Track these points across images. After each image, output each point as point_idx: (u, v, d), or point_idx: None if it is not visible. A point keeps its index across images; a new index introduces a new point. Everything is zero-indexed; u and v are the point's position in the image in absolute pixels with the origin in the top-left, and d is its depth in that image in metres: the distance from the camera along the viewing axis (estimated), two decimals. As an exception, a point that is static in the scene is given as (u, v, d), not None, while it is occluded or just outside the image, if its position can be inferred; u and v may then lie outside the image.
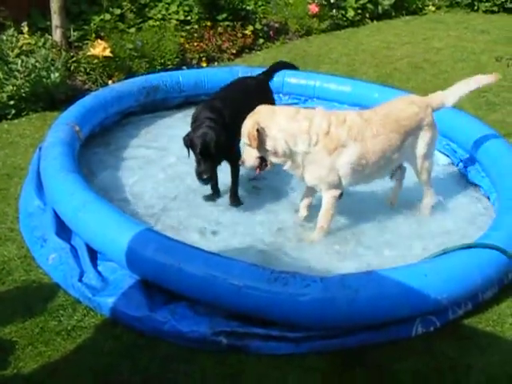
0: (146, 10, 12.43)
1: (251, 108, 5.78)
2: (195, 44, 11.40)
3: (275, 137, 5.56)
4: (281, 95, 9.15)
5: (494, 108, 9.44)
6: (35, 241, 5.67)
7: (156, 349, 4.56)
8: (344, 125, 5.68)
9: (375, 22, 15.13)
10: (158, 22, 11.99)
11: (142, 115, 8.74)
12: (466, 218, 6.46)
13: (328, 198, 5.83)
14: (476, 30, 14.48)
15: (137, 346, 4.58)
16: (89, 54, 9.70)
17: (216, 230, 6.13)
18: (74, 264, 5.25)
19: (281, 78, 9.12)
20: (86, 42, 10.43)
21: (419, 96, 6.47)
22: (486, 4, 16.23)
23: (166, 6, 12.61)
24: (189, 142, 6.04)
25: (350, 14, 14.53)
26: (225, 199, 6.63)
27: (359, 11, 14.81)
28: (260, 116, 5.62)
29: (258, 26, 12.73)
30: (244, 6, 12.74)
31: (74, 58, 9.82)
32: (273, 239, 5.99)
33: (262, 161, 5.76)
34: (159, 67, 10.41)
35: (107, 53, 9.64)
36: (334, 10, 14.20)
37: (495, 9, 16.15)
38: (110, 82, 9.63)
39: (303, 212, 6.24)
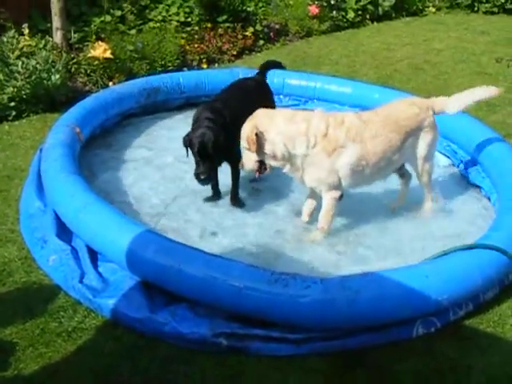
0: (147, 11, 12.45)
1: (252, 109, 5.80)
2: (196, 45, 11.41)
3: (274, 140, 5.57)
4: (281, 96, 9.15)
5: (494, 109, 9.43)
6: (36, 242, 5.66)
7: (156, 350, 4.56)
8: (342, 126, 5.69)
9: (375, 23, 15.12)
10: (158, 24, 12.01)
11: (143, 117, 8.75)
12: (466, 218, 6.46)
13: (328, 199, 5.83)
14: (476, 31, 14.48)
15: (137, 347, 4.58)
16: (89, 55, 9.70)
17: (216, 231, 6.13)
18: (74, 265, 5.26)
19: (281, 80, 9.14)
20: (86, 43, 10.43)
21: (420, 98, 6.48)
22: (486, 5, 16.23)
23: (167, 7, 12.63)
24: (187, 142, 6.06)
25: (351, 15, 14.53)
26: (225, 200, 6.63)
27: (359, 12, 14.81)
28: (258, 120, 5.63)
29: (258, 27, 12.74)
30: (244, 8, 12.75)
31: (75, 60, 9.83)
32: (273, 240, 5.99)
33: (262, 164, 5.77)
34: (160, 69, 10.40)
35: (108, 54, 9.65)
36: (335, 12, 14.20)
37: (495, 10, 16.14)
38: (110, 83, 9.63)
39: (305, 217, 6.24)
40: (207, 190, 6.59)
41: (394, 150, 5.89)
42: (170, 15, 12.46)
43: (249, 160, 5.74)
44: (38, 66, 8.67)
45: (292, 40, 13.34)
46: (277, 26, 13.19)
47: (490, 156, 6.82)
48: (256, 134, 5.52)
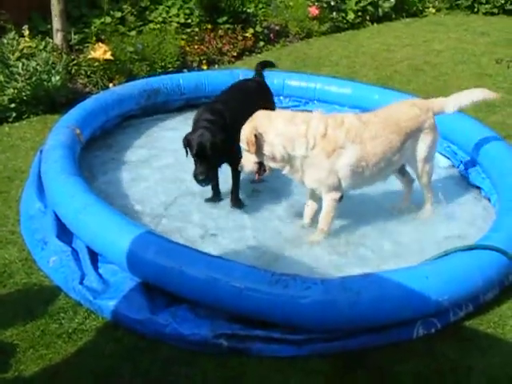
0: (147, 13, 12.47)
1: (252, 110, 5.80)
2: (196, 47, 11.42)
3: (273, 142, 5.58)
4: (281, 98, 9.16)
5: (493, 110, 9.44)
6: (36, 243, 5.67)
7: (157, 351, 4.56)
8: (342, 127, 5.69)
9: (375, 24, 15.14)
10: (158, 25, 12.02)
11: (143, 118, 8.76)
12: (466, 219, 6.46)
13: (328, 200, 5.84)
14: (476, 32, 14.49)
15: (138, 349, 4.57)
16: (89, 57, 9.71)
17: (217, 232, 6.13)
18: (74, 267, 5.26)
19: (281, 81, 9.14)
20: (86, 45, 10.44)
21: (420, 99, 6.49)
22: (486, 6, 16.24)
23: (167, 9, 12.66)
24: (186, 142, 6.07)
25: (351, 16, 14.56)
26: (226, 201, 6.63)
27: (359, 14, 14.84)
28: (258, 121, 5.63)
29: (258, 28, 12.76)
30: (244, 9, 12.77)
31: (75, 61, 9.84)
32: (273, 241, 5.99)
33: (261, 166, 5.77)
34: (160, 70, 10.42)
35: (108, 56, 9.65)
36: (335, 13, 14.22)
37: (495, 11, 16.16)
38: (110, 84, 9.65)
39: (307, 220, 6.24)
40: (207, 191, 6.60)
41: (394, 150, 5.89)
42: (170, 16, 12.48)
43: (248, 161, 5.75)
44: (38, 67, 8.68)
45: (292, 41, 13.36)
46: (277, 28, 13.21)
47: (489, 157, 6.82)
48: (255, 136, 5.53)
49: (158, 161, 7.54)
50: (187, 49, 11.28)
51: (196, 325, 4.66)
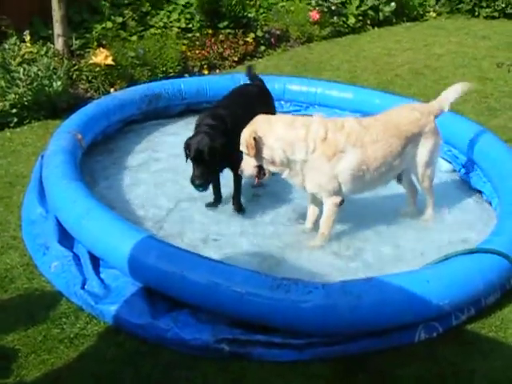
0: (148, 18, 12.48)
1: (253, 115, 5.82)
2: (197, 52, 11.43)
3: (272, 146, 5.58)
4: (282, 102, 9.15)
5: (495, 113, 9.45)
6: (38, 248, 5.67)
7: (159, 356, 4.56)
8: (342, 131, 5.69)
9: (376, 28, 15.14)
10: (159, 30, 12.03)
11: (144, 123, 8.77)
12: (467, 223, 6.46)
13: (329, 204, 5.84)
14: (477, 35, 14.48)
15: (139, 354, 4.58)
16: (91, 62, 9.72)
17: (218, 237, 6.13)
18: (76, 272, 5.26)
19: (282, 85, 9.15)
20: (87, 50, 10.45)
21: (421, 103, 6.50)
22: (487, 10, 16.23)
23: (168, 13, 12.67)
24: (186, 146, 6.08)
25: (351, 20, 14.56)
26: (227, 206, 6.63)
27: (360, 18, 14.84)
28: (258, 125, 5.65)
29: (259, 33, 12.77)
30: (245, 14, 12.77)
31: (76, 67, 9.85)
32: (274, 246, 5.99)
33: (260, 170, 5.78)
34: (161, 75, 10.43)
35: (109, 61, 9.67)
36: (335, 17, 14.22)
37: (496, 14, 16.15)
38: (112, 90, 9.66)
39: (309, 225, 6.24)
40: (209, 195, 6.60)
41: (395, 155, 5.89)
42: (171, 21, 12.50)
43: (248, 165, 5.75)
44: (39, 72, 8.70)
45: (293, 46, 13.36)
46: (278, 32, 13.21)
47: (491, 161, 6.81)
48: (254, 139, 5.53)
49: (160, 166, 7.54)
50: (188, 54, 11.28)
51: (197, 329, 4.66)
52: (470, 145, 7.19)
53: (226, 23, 12.39)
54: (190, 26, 12.49)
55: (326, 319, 4.54)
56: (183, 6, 12.91)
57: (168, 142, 8.14)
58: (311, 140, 5.60)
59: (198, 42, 11.74)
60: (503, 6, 16.00)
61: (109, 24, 11.63)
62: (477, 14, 16.40)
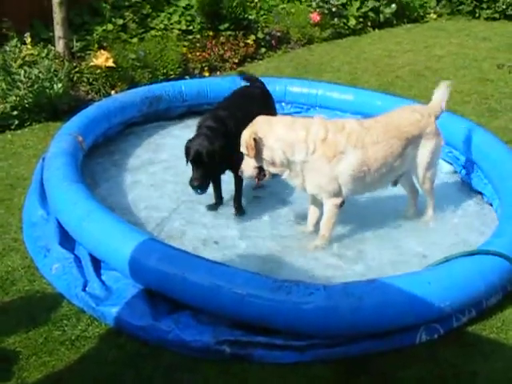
0: (149, 20, 12.47)
1: (255, 117, 5.82)
2: (197, 54, 11.43)
3: (272, 147, 5.59)
4: (283, 104, 9.16)
5: (496, 115, 9.45)
6: (39, 251, 5.67)
7: (160, 358, 4.56)
8: (343, 131, 5.70)
9: (377, 30, 15.13)
10: (160, 32, 12.03)
11: (145, 125, 8.77)
12: (468, 224, 6.47)
13: (329, 206, 5.84)
14: (477, 37, 14.47)
15: (140, 356, 4.58)
16: (91, 64, 9.73)
17: (219, 239, 6.14)
18: (77, 274, 5.27)
19: (283, 87, 9.15)
20: (88, 52, 10.45)
21: (422, 105, 6.51)
22: (488, 11, 16.22)
23: (168, 16, 12.67)
24: (184, 149, 6.09)
25: (352, 22, 14.55)
26: (228, 208, 6.63)
27: (361, 20, 14.82)
28: (258, 126, 5.65)
29: (259, 35, 12.76)
30: (246, 16, 12.77)
31: (77, 69, 9.85)
32: (275, 248, 6.00)
33: (261, 171, 5.78)
34: (162, 77, 10.44)
35: (110, 63, 9.68)
36: (336, 19, 14.21)
37: (496, 16, 16.13)
38: (112, 92, 9.67)
39: (310, 227, 6.24)
40: (210, 198, 6.60)
41: (395, 156, 5.89)
42: (171, 23, 12.49)
43: (248, 166, 5.76)
44: (40, 74, 8.70)
45: (294, 47, 13.36)
46: (278, 34, 13.20)
47: (491, 162, 6.81)
48: (254, 140, 5.54)
49: (160, 168, 7.55)
50: (189, 56, 11.29)
51: (198, 331, 4.66)
52: (470, 146, 7.18)
53: (226, 25, 12.39)
54: (191, 28, 12.49)
55: (328, 321, 4.54)
56: (184, 8, 12.92)
57: (169, 144, 8.15)
58: (311, 141, 5.61)
59: (198, 44, 11.73)
60: (504, 7, 15.99)
61: (109, 26, 11.63)
62: (477, 15, 16.39)
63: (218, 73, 11.48)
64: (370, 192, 6.17)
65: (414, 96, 9.82)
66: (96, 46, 10.48)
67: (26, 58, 9.05)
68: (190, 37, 12.13)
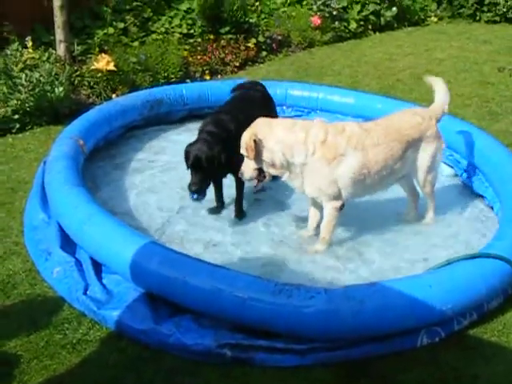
0: (150, 23, 12.48)
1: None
2: (198, 57, 11.43)
3: (272, 149, 5.60)
4: (284, 107, 9.15)
5: (497, 118, 9.45)
6: (40, 254, 5.68)
7: (161, 361, 4.56)
8: (343, 134, 5.70)
9: (378, 33, 15.13)
10: (161, 36, 12.03)
11: (146, 129, 8.77)
12: (469, 228, 6.47)
13: (329, 209, 5.84)
14: (478, 40, 14.48)
15: (142, 359, 4.58)
16: (92, 67, 9.74)
17: (220, 242, 6.14)
18: (78, 277, 5.27)
19: (284, 91, 9.15)
20: (89, 56, 10.46)
21: (423, 108, 6.52)
22: (488, 14, 16.22)
23: (169, 19, 12.67)
24: (184, 154, 6.09)
25: (353, 25, 14.55)
26: (229, 212, 6.64)
27: (361, 23, 14.83)
28: (258, 128, 5.66)
29: (260, 38, 12.76)
30: (247, 19, 12.76)
31: (78, 72, 9.86)
32: (276, 251, 6.00)
33: (260, 172, 5.79)
34: (163, 80, 10.45)
35: (111, 66, 9.68)
36: (337, 22, 14.21)
37: (497, 19, 16.13)
38: (113, 95, 9.67)
39: (311, 231, 6.24)
40: (211, 201, 6.60)
41: (396, 159, 5.90)
42: (172, 27, 12.50)
43: (248, 168, 5.76)
44: (41, 78, 8.71)
45: (294, 51, 13.36)
46: (279, 37, 13.21)
47: (492, 165, 6.81)
48: (254, 141, 5.55)
49: (162, 171, 7.54)
50: (190, 59, 11.29)
51: (199, 335, 4.66)
52: (471, 149, 7.19)
53: (227, 29, 12.39)
54: (192, 31, 12.49)
55: (329, 324, 4.54)
56: (185, 11, 12.91)
57: (170, 148, 8.15)
58: (311, 143, 5.61)
59: (199, 48, 11.74)
60: (504, 10, 15.99)
61: (110, 30, 11.63)
62: (478, 18, 16.39)
63: (219, 76, 11.49)
64: (369, 195, 6.17)
65: (414, 99, 9.82)
66: (97, 49, 10.50)
67: (27, 62, 9.05)
68: (191, 40, 12.13)
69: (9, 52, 9.10)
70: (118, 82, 9.85)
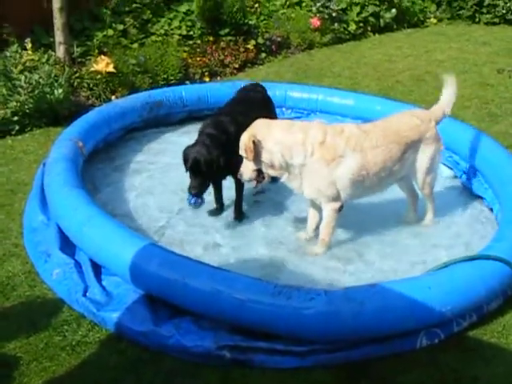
0: (149, 25, 12.48)
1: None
2: (198, 59, 11.44)
3: (271, 150, 5.60)
4: (283, 109, 9.15)
5: (496, 119, 9.45)
6: (39, 256, 5.68)
7: (160, 363, 4.56)
8: (342, 135, 5.71)
9: (377, 35, 15.13)
10: (160, 38, 12.03)
11: (146, 130, 8.77)
12: (469, 229, 6.47)
13: (328, 210, 5.84)
14: (477, 41, 14.48)
15: (141, 361, 4.58)
16: (92, 69, 9.74)
17: (219, 244, 6.14)
18: (78, 279, 5.27)
19: (283, 92, 9.15)
20: (89, 57, 10.46)
21: (422, 109, 6.51)
22: (487, 16, 16.23)
23: (169, 21, 12.67)
24: (184, 156, 6.09)
25: (352, 27, 14.56)
26: (228, 213, 6.64)
27: (361, 24, 14.84)
28: (256, 129, 5.67)
29: (260, 40, 12.77)
30: (246, 21, 12.77)
31: (78, 74, 9.87)
32: (276, 253, 6.00)
33: (259, 173, 5.79)
34: (162, 82, 10.46)
35: (110, 68, 9.69)
36: (336, 24, 14.22)
37: (496, 20, 16.14)
38: (113, 97, 9.68)
39: (310, 233, 6.23)
40: (211, 203, 6.60)
41: (394, 160, 5.89)
42: (172, 29, 12.49)
43: (247, 169, 5.77)
44: (40, 80, 8.71)
45: (294, 52, 13.36)
46: (279, 39, 13.20)
47: (492, 167, 6.81)
48: (253, 142, 5.55)
49: (161, 173, 7.54)
50: (189, 61, 11.29)
51: (199, 336, 4.66)
52: (471, 151, 7.19)
53: (226, 30, 12.40)
54: (191, 33, 12.49)
55: (329, 326, 4.54)
56: (184, 13, 12.91)
57: (169, 150, 8.14)
58: (309, 144, 5.61)
59: (198, 50, 11.74)
60: (504, 12, 16.00)
61: (110, 31, 11.63)
62: (477, 20, 16.40)
63: (219, 78, 11.49)
64: (367, 196, 6.17)
65: (414, 101, 9.83)
66: (96, 51, 10.50)
67: (27, 64, 9.06)
68: (191, 42, 12.13)
69: (8, 54, 9.09)
70: (117, 83, 9.86)
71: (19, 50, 9.19)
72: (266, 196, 7.00)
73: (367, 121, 6.55)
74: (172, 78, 10.66)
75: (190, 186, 6.04)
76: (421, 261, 5.84)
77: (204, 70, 11.34)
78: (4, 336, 4.77)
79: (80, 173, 6.59)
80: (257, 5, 14.18)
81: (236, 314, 4.61)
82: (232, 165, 6.04)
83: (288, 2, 14.73)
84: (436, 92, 9.88)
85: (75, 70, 9.96)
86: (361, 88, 10.89)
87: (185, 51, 11.47)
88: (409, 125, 6.03)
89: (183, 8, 12.99)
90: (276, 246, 6.12)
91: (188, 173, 6.07)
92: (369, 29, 15.09)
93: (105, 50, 10.80)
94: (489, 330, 4.99)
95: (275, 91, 8.76)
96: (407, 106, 7.92)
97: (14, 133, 8.50)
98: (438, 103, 6.39)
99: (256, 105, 6.96)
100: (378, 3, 15.12)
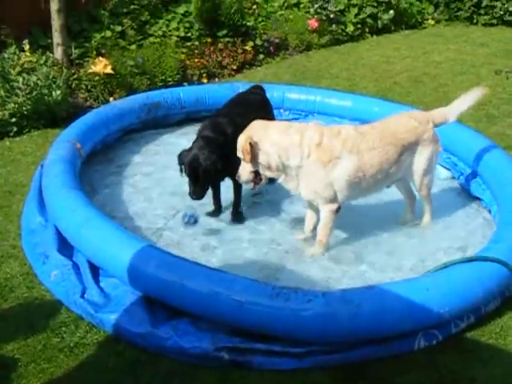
0: (147, 26, 12.46)
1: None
2: (196, 60, 11.44)
3: (268, 151, 5.61)
4: (281, 111, 9.15)
5: (493, 121, 9.46)
6: (37, 257, 5.67)
7: (158, 365, 4.56)
8: (338, 137, 5.71)
9: (375, 36, 15.13)
10: (158, 39, 12.02)
11: (144, 132, 8.77)
12: (466, 231, 6.47)
13: (325, 211, 5.84)
14: (475, 43, 14.49)
15: (139, 362, 4.58)
16: (90, 71, 9.74)
17: (217, 245, 6.14)
18: (76, 280, 5.26)
19: (281, 94, 9.16)
20: (87, 59, 10.44)
21: (420, 111, 6.51)
22: (485, 17, 16.24)
23: (167, 22, 12.67)
24: (180, 160, 6.08)
25: (350, 28, 14.56)
26: (226, 215, 6.64)
27: (359, 26, 14.83)
28: (253, 131, 5.68)
29: (258, 41, 12.77)
30: (244, 22, 12.77)
31: (76, 76, 9.85)
32: (273, 254, 6.00)
33: (257, 175, 5.80)
34: (160, 84, 10.46)
35: (108, 70, 9.68)
36: (334, 25, 14.22)
37: (494, 22, 16.14)
38: (111, 98, 9.67)
39: (308, 234, 6.24)
40: (209, 204, 6.60)
41: (391, 162, 5.90)
42: (170, 30, 12.49)
43: (244, 171, 5.78)
44: (38, 81, 8.71)
45: (292, 54, 13.36)
46: (276, 40, 13.20)
47: (490, 168, 6.82)
48: (250, 144, 5.56)
49: (159, 174, 7.54)
50: (187, 62, 11.29)
51: (197, 338, 4.66)
52: (468, 152, 7.19)
53: (224, 32, 12.40)
54: (189, 34, 12.48)
55: (326, 327, 4.54)
56: (182, 14, 12.91)
57: (167, 151, 8.12)
58: (306, 146, 5.62)
59: (196, 51, 11.74)
60: (501, 13, 16.00)
61: (108, 33, 11.63)
62: (475, 21, 16.40)
63: (217, 79, 11.49)
64: (364, 197, 6.17)
65: (412, 102, 9.84)
66: (94, 52, 10.48)
67: (25, 65, 9.04)
68: (189, 43, 12.13)
69: (6, 55, 9.08)
70: (115, 85, 9.85)
71: (17, 52, 9.18)
72: (264, 197, 7.00)
73: (365, 122, 6.57)
74: (170, 79, 10.66)
75: (189, 191, 6.05)
76: (418, 262, 5.85)
77: (202, 71, 11.34)
78: (2, 338, 4.76)
79: (78, 174, 6.59)
80: (255, 6, 14.17)
81: (234, 315, 4.62)
82: (230, 166, 6.04)
83: (286, 4, 14.72)
84: (434, 93, 9.92)
85: (73, 71, 9.94)
86: (359, 89, 10.89)
87: (183, 53, 11.47)
88: (406, 127, 6.03)
89: (181, 9, 12.99)
90: (274, 247, 6.13)
91: (184, 176, 6.07)
92: (367, 30, 15.08)
93: (103, 51, 10.79)
94: (486, 331, 5.00)
95: (273, 92, 8.76)
96: (405, 108, 7.93)
97: (11, 134, 8.49)
98: (445, 107, 6.36)
99: (254, 106, 6.96)
100: (375, 5, 15.11)
